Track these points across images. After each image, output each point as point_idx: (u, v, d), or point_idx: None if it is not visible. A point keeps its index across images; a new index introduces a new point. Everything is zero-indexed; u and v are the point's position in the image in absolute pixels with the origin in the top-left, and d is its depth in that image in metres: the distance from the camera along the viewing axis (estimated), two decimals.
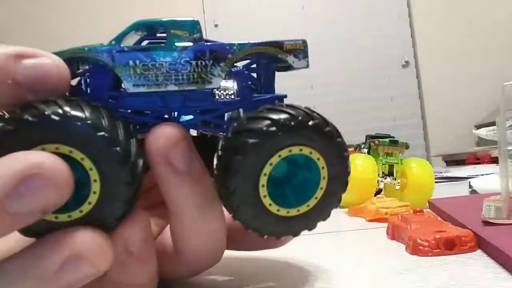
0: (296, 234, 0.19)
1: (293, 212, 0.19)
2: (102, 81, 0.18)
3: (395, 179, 0.57)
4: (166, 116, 0.19)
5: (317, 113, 0.18)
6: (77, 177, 0.16)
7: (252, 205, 0.18)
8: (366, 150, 0.62)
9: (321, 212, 0.19)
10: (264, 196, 0.18)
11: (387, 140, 0.60)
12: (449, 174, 0.96)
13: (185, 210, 0.20)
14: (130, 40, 0.19)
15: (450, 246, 0.28)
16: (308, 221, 0.19)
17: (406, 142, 0.60)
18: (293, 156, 0.18)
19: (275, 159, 0.18)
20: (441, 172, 1.03)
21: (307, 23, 2.32)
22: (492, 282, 0.22)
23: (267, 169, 0.18)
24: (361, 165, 0.53)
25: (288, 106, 0.18)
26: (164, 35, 0.19)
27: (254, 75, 0.21)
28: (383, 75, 2.30)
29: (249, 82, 0.20)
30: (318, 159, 0.18)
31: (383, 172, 0.58)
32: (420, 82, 2.30)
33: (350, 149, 0.70)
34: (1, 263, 0.16)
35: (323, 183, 0.19)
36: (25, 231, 0.16)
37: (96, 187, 0.16)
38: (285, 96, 0.20)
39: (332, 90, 2.28)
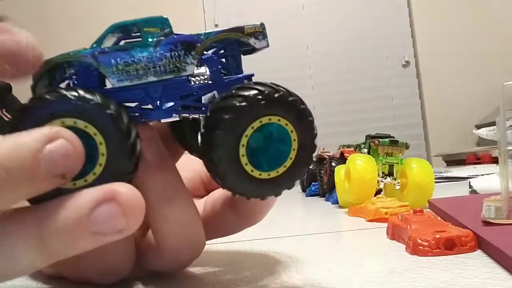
0: (278, 194, 0.22)
1: (273, 174, 0.21)
2: (89, 81, 0.20)
3: (395, 179, 0.57)
4: (150, 106, 0.21)
5: (294, 93, 0.21)
6: (86, 148, 0.18)
7: (237, 172, 0.20)
8: (366, 150, 0.62)
9: (288, 179, 0.22)
10: (246, 164, 0.20)
11: (387, 140, 0.60)
12: (449, 174, 0.96)
13: (152, 198, 0.23)
14: (109, 42, 0.21)
15: (450, 246, 0.28)
16: (280, 186, 0.21)
17: (406, 142, 0.60)
18: (269, 128, 0.21)
19: (249, 131, 0.20)
20: (441, 172, 1.03)
21: (308, 23, 2.32)
22: (492, 282, 0.22)
23: (244, 140, 0.20)
24: (361, 165, 0.53)
25: (257, 83, 0.21)
26: (138, 35, 0.21)
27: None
28: (383, 75, 2.30)
29: (219, 66, 0.22)
30: (292, 131, 0.21)
31: (383, 172, 0.58)
32: (420, 82, 2.30)
33: (350, 149, 0.70)
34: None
35: (292, 154, 0.21)
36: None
37: (102, 149, 0.19)
38: (253, 75, 0.23)
39: (332, 90, 2.28)
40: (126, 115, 0.19)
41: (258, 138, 0.21)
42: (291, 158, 0.21)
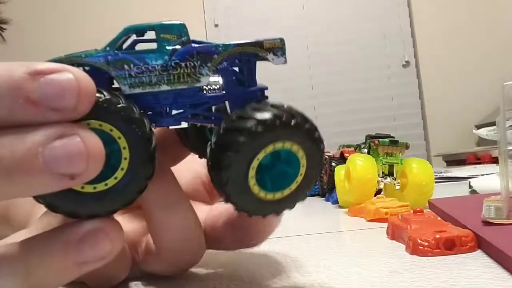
0: (279, 213, 0.22)
1: (278, 195, 0.21)
2: (100, 83, 0.19)
3: (395, 179, 0.57)
4: (159, 110, 0.21)
5: (310, 120, 0.20)
6: (109, 152, 0.18)
7: (243, 193, 0.20)
8: (366, 150, 0.62)
9: (292, 201, 0.22)
10: (254, 185, 0.20)
11: (387, 140, 0.60)
12: (449, 174, 0.96)
13: (152, 206, 0.23)
14: (123, 45, 0.20)
15: (450, 246, 0.28)
16: (282, 206, 0.22)
17: (406, 142, 0.60)
18: (278, 151, 0.20)
19: (261, 155, 0.20)
20: (441, 172, 1.03)
21: (308, 23, 2.32)
22: (492, 282, 0.22)
23: (255, 163, 0.20)
24: (361, 165, 0.53)
25: (274, 105, 0.20)
26: (152, 36, 0.20)
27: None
28: (383, 75, 2.30)
29: (234, 77, 0.22)
30: (302, 157, 0.21)
31: (383, 172, 0.58)
32: (420, 82, 2.30)
33: (350, 149, 0.70)
34: (36, 235, 0.18)
35: (299, 178, 0.21)
36: (69, 209, 0.18)
37: (126, 153, 0.18)
38: (266, 88, 0.22)
39: (332, 90, 2.28)
40: (147, 120, 0.19)
41: (266, 158, 0.20)
42: (297, 182, 0.21)
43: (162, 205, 0.23)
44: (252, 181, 0.20)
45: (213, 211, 0.29)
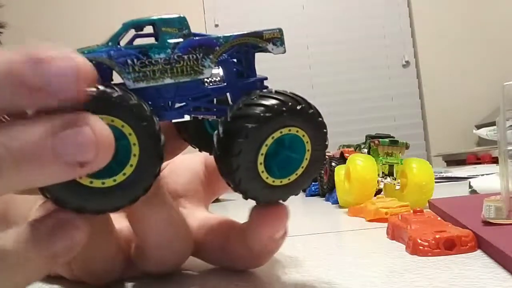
0: (285, 199, 0.23)
1: (285, 181, 0.21)
2: (103, 77, 0.19)
3: (395, 179, 0.57)
4: (162, 104, 0.21)
5: (313, 105, 0.21)
6: (119, 147, 0.17)
7: (253, 179, 0.21)
8: (366, 150, 0.62)
9: (298, 186, 0.22)
10: (262, 172, 0.21)
11: (387, 140, 0.60)
12: (449, 174, 0.96)
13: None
14: (124, 40, 0.20)
15: (450, 246, 0.28)
16: (289, 192, 0.22)
17: (406, 142, 0.60)
18: (283, 136, 0.21)
19: (269, 141, 0.20)
20: (441, 172, 1.03)
21: (308, 23, 2.32)
22: (492, 282, 0.22)
23: (264, 149, 0.20)
24: (361, 165, 0.53)
25: (278, 92, 0.21)
26: (151, 31, 0.20)
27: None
28: (383, 75, 2.29)
29: (234, 69, 0.22)
30: (307, 142, 0.21)
31: (383, 172, 0.58)
32: (420, 82, 2.30)
33: (350, 149, 0.70)
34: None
35: (305, 163, 0.22)
36: (77, 204, 0.18)
37: (135, 149, 0.18)
38: (266, 78, 0.22)
39: (332, 90, 2.28)
40: (156, 118, 0.19)
41: (272, 145, 0.21)
42: (302, 167, 0.21)
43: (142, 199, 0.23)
44: (261, 168, 0.21)
45: (208, 221, 0.29)
